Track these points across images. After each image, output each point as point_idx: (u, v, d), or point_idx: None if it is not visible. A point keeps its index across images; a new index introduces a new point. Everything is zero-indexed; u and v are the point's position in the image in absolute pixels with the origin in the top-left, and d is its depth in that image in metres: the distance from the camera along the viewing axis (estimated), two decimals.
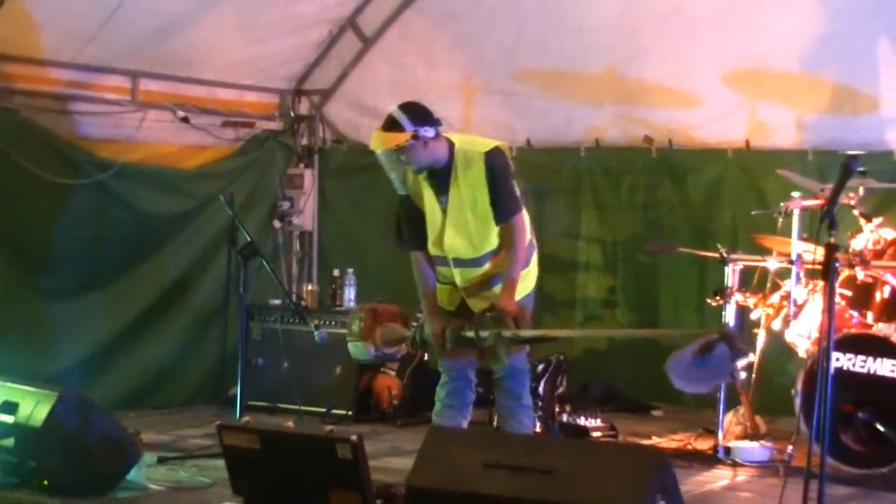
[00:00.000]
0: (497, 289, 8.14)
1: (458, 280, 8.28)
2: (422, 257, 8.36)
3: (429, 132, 8.00)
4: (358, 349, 8.64)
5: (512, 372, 8.31)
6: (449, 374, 8.54)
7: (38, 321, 10.82)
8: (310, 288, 12.07)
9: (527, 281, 8.32)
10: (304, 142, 13.26)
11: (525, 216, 8.25)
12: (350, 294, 11.58)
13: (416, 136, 7.96)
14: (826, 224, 6.63)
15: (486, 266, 8.22)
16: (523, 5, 11.96)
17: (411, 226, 8.36)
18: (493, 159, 8.13)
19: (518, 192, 8.25)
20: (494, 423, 8.67)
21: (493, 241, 8.16)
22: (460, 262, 8.22)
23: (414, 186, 8.28)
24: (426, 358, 11.18)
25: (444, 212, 8.17)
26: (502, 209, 8.10)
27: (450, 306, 8.36)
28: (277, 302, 11.46)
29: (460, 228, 8.15)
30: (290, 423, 8.90)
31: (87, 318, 11.17)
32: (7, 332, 10.45)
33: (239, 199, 11.58)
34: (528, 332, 8.17)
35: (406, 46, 12.76)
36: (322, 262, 13.09)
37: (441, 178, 8.16)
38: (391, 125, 8.07)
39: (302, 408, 10.55)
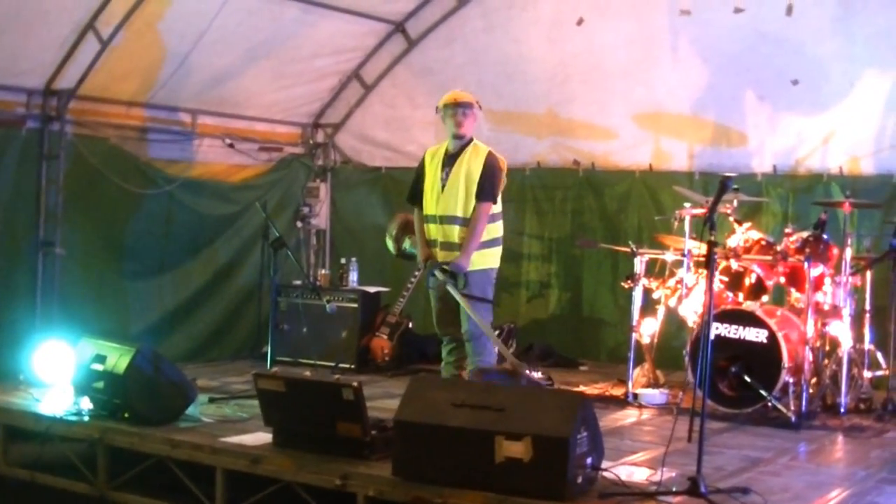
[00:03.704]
0: (457, 253, 8.28)
1: (438, 236, 8.41)
2: (419, 211, 8.56)
3: (478, 113, 8.44)
4: (390, 245, 9.25)
5: (471, 337, 8.33)
6: (446, 338, 8.61)
7: (121, 296, 10.76)
8: (323, 272, 11.97)
9: (485, 259, 8.39)
10: (320, 162, 13.10)
11: (494, 212, 8.38)
12: (353, 277, 11.47)
13: (479, 106, 8.45)
14: (707, 227, 6.66)
15: (457, 228, 8.30)
16: (483, 62, 11.88)
17: (417, 187, 8.56)
18: (491, 159, 8.38)
19: (497, 191, 8.40)
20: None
21: (468, 211, 8.26)
22: (445, 219, 8.35)
23: (429, 160, 8.52)
24: (410, 325, 11.18)
25: (444, 181, 8.35)
26: (480, 193, 8.25)
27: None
28: (298, 282, 11.33)
29: (451, 192, 8.30)
30: (308, 373, 8.83)
31: (157, 294, 11.11)
32: (99, 304, 10.43)
33: (271, 205, 11.54)
34: (463, 289, 8.26)
35: (396, 92, 12.66)
36: (333, 253, 12.95)
37: (453, 156, 8.39)
38: (466, 92, 8.50)
39: (317, 362, 10.52)
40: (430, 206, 8.46)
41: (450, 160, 8.40)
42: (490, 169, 8.32)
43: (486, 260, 8.42)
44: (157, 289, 11.15)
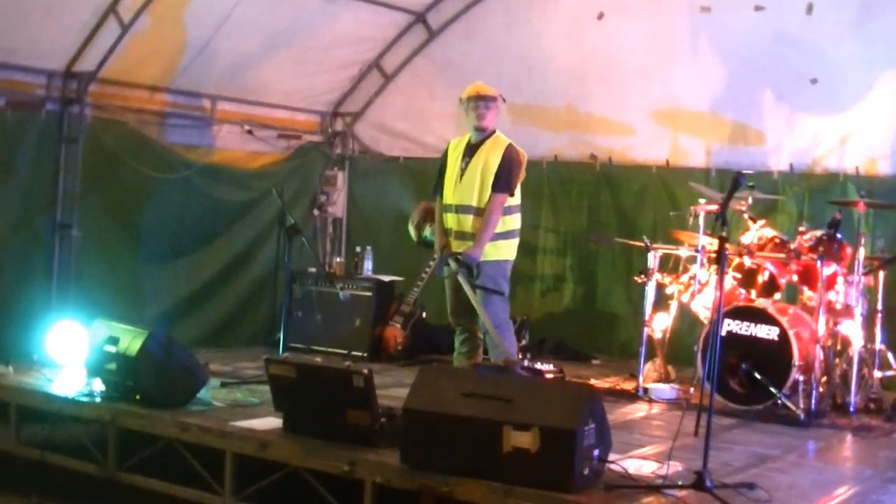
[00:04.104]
0: (469, 243, 8.31)
1: (453, 224, 8.44)
2: (440, 200, 8.60)
3: (501, 106, 8.48)
4: (412, 233, 9.35)
5: (493, 324, 8.30)
6: (458, 328, 8.64)
7: (137, 279, 10.81)
8: (338, 260, 11.97)
9: (499, 250, 8.40)
10: (338, 151, 13.14)
11: (511, 204, 8.40)
12: (368, 265, 11.46)
13: (503, 99, 8.50)
14: (719, 223, 6.66)
15: (471, 218, 8.33)
16: (502, 57, 11.89)
17: (439, 179, 8.60)
18: (511, 151, 8.41)
19: (514, 184, 8.41)
20: None
21: (484, 202, 8.28)
22: (460, 208, 8.38)
23: (452, 151, 8.57)
24: (424, 315, 11.19)
25: (462, 170, 8.38)
26: (495, 184, 8.28)
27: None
28: (313, 270, 11.36)
29: (468, 181, 8.34)
30: (319, 359, 8.87)
31: (173, 278, 11.15)
32: (114, 287, 10.47)
33: (288, 193, 11.61)
34: (475, 280, 8.27)
35: (416, 83, 12.71)
36: (349, 242, 12.98)
37: (473, 147, 8.43)
38: (488, 85, 8.49)
39: (329, 349, 10.56)
40: (449, 195, 8.51)
41: (470, 151, 8.45)
42: (508, 161, 8.33)
43: (500, 251, 8.43)
44: (173, 273, 11.18)
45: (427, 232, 9.20)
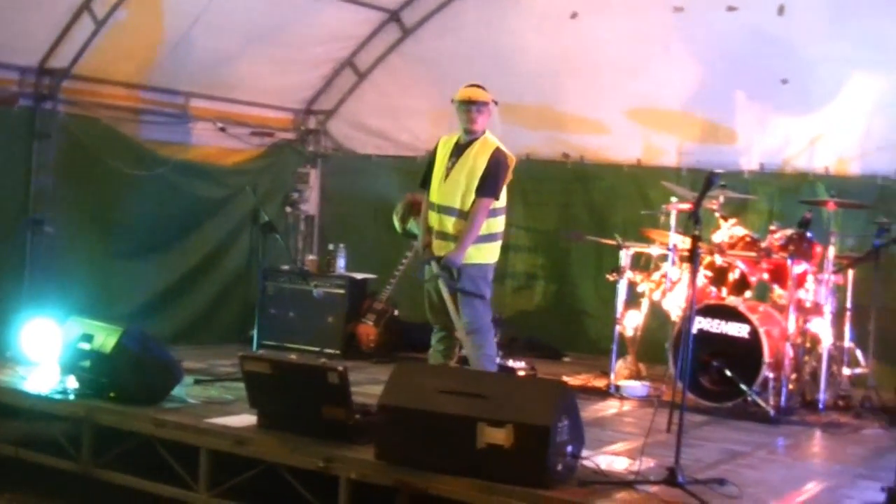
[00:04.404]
0: (453, 244, 8.24)
1: (435, 224, 8.38)
2: (426, 196, 8.50)
3: (493, 109, 8.41)
4: (396, 224, 9.03)
5: (472, 329, 8.30)
6: (436, 327, 8.60)
7: (110, 276, 10.80)
8: (311, 258, 12.03)
9: (481, 253, 8.32)
10: (311, 149, 13.19)
11: (496, 206, 8.31)
12: (341, 263, 11.51)
13: (494, 102, 8.39)
14: (693, 221, 6.74)
15: (454, 220, 8.26)
16: (477, 54, 11.89)
17: (428, 173, 8.51)
18: (498, 155, 8.27)
19: (499, 188, 8.31)
20: None
21: (467, 205, 8.21)
22: (443, 209, 8.30)
23: (441, 147, 8.48)
24: (396, 313, 11.25)
25: (448, 170, 8.29)
26: (480, 188, 8.17)
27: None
28: (286, 267, 11.40)
29: (453, 182, 8.25)
30: (294, 356, 8.91)
31: (146, 275, 11.17)
32: (87, 283, 10.47)
33: (261, 190, 11.63)
34: (457, 284, 8.22)
35: (390, 81, 12.73)
36: (321, 239, 13.02)
37: (462, 147, 8.33)
38: (480, 87, 8.39)
39: (303, 347, 10.60)
40: (433, 193, 8.41)
41: (458, 151, 8.34)
42: (495, 165, 8.23)
43: (482, 254, 8.34)
44: (146, 270, 11.19)
45: (411, 225, 9.19)
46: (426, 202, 8.56)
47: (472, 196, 8.21)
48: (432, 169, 8.52)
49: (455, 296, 8.30)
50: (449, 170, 8.33)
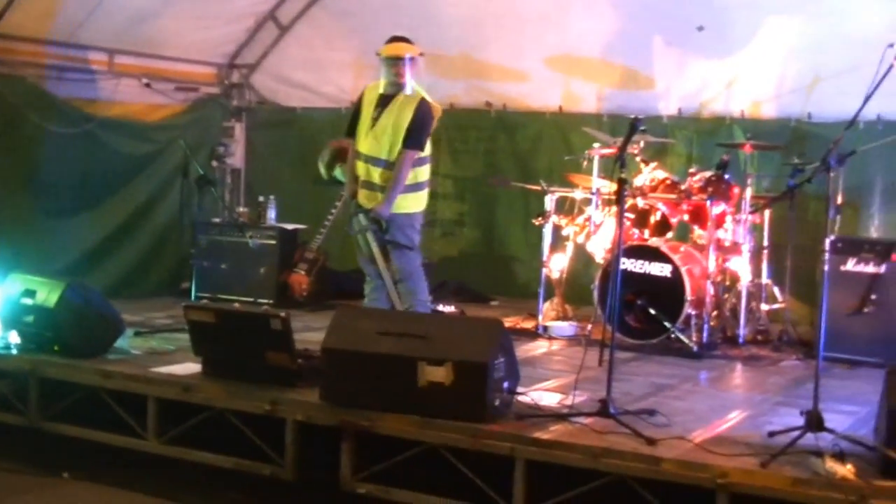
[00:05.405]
0: (380, 195, 8.47)
1: (362, 174, 8.57)
2: (353, 144, 8.68)
3: (419, 60, 8.54)
4: (321, 170, 9.41)
5: (405, 276, 8.60)
6: (369, 276, 8.86)
7: (42, 233, 10.86)
8: (242, 209, 12.14)
9: (408, 202, 8.60)
10: (236, 103, 13.33)
11: (422, 155, 8.56)
12: (272, 214, 11.65)
13: (421, 54, 8.51)
14: (618, 165, 6.98)
15: (380, 170, 8.48)
16: (399, 5, 12.03)
17: (354, 121, 8.68)
18: (424, 106, 8.50)
19: (424, 140, 8.53)
20: None
21: (394, 155, 8.43)
22: (370, 159, 8.50)
23: (367, 95, 8.63)
24: (327, 261, 11.49)
25: (374, 120, 8.46)
26: (406, 139, 8.40)
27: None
28: (217, 220, 11.57)
29: (380, 133, 8.45)
30: (237, 304, 9.14)
31: (78, 231, 11.26)
32: (18, 242, 10.51)
33: (187, 144, 11.73)
34: (385, 236, 8.52)
35: (312, 33, 12.86)
36: (248, 192, 13.20)
37: (388, 98, 8.50)
38: (406, 41, 8.54)
39: (236, 297, 10.77)
40: (360, 143, 8.60)
41: (384, 101, 8.52)
42: (420, 118, 8.44)
43: (410, 203, 8.61)
44: (77, 227, 11.28)
45: (338, 172, 9.41)
46: (352, 150, 8.75)
47: (399, 146, 8.43)
48: (358, 118, 8.69)
49: (384, 247, 8.58)
50: (375, 120, 8.52)
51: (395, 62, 8.47)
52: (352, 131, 8.77)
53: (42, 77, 10.92)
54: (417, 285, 8.68)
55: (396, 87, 8.52)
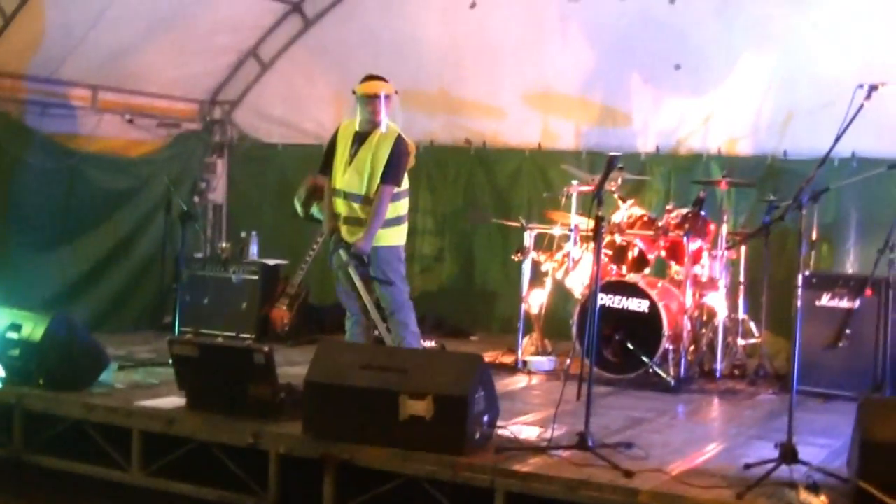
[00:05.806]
0: (360, 232, 8.58)
1: (343, 210, 8.68)
2: (329, 181, 8.78)
3: (395, 99, 8.67)
4: (298, 208, 9.45)
5: (395, 308, 8.70)
6: (350, 311, 8.93)
7: (21, 268, 10.89)
8: (224, 245, 12.21)
9: (389, 236, 8.70)
10: (217, 139, 13.45)
11: (399, 190, 8.66)
12: (254, 250, 11.76)
13: (396, 92, 8.63)
14: (596, 202, 7.08)
15: (360, 204, 8.60)
16: (377, 42, 12.28)
17: (327, 158, 8.79)
18: (400, 143, 8.62)
19: (401, 175, 8.66)
20: None
21: (372, 190, 8.55)
22: (349, 195, 8.61)
23: (342, 132, 8.74)
24: (308, 296, 11.61)
25: (352, 157, 8.58)
26: (384, 174, 8.51)
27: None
28: (199, 255, 11.71)
29: (359, 169, 8.54)
30: (220, 339, 9.22)
31: (59, 265, 11.31)
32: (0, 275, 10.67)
33: (169, 179, 11.84)
34: (368, 271, 8.63)
35: (293, 71, 13.03)
36: (230, 227, 13.29)
37: (363, 136, 8.61)
38: (381, 79, 8.66)
39: (218, 332, 10.83)
40: (338, 179, 8.69)
41: (360, 138, 8.64)
42: (397, 153, 8.57)
43: (391, 237, 8.71)
44: (58, 261, 11.32)
45: (315, 210, 9.51)
46: (328, 188, 8.85)
47: (377, 182, 8.55)
48: (333, 154, 8.80)
49: (367, 281, 8.70)
50: (353, 157, 8.63)
51: (370, 100, 8.60)
52: (326, 169, 8.87)
53: (23, 112, 11.02)
54: (408, 317, 8.78)
55: (372, 125, 8.64)
